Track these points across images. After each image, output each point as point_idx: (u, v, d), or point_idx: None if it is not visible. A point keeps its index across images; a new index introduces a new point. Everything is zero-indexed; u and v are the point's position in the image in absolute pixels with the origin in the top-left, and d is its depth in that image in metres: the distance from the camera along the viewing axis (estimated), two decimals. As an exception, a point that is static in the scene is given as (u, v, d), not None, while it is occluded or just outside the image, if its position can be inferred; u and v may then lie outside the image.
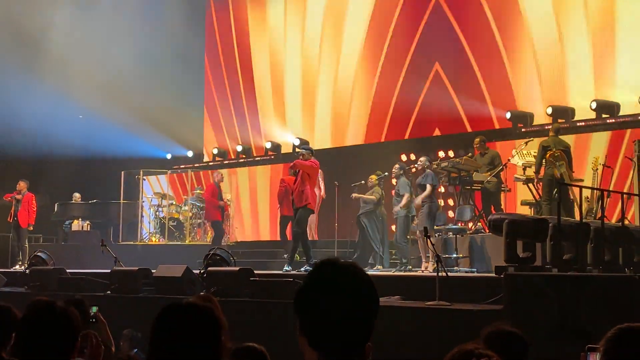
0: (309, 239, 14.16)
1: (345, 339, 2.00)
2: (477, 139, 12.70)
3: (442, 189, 14.03)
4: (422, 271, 11.35)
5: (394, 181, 12.65)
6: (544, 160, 11.21)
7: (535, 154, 11.91)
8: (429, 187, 11.59)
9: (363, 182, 13.26)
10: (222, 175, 15.81)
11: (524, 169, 12.25)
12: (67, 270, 12.05)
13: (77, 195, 18.89)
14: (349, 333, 2.01)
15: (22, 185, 16.04)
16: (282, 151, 18.90)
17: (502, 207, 12.25)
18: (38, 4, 19.84)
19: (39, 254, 13.26)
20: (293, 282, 9.02)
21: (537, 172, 11.37)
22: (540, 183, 11.45)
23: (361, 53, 17.58)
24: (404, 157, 15.26)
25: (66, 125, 20.96)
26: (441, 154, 14.99)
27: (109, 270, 11.28)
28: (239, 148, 19.89)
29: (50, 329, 2.91)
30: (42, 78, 20.00)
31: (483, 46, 15.43)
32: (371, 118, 17.43)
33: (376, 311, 2.06)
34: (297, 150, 11.69)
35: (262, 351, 3.81)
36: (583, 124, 13.72)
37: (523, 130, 14.28)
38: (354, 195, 13.10)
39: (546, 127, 12.95)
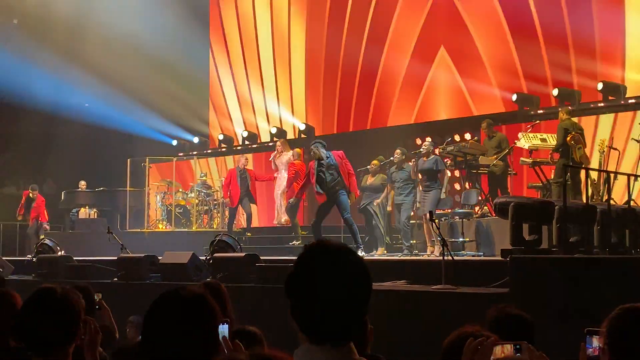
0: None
1: (335, 324, 1.96)
2: (484, 123, 12.62)
3: (448, 173, 13.97)
4: (428, 255, 11.34)
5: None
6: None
7: (542, 138, 11.85)
8: (449, 173, 11.67)
9: (368, 167, 13.24)
10: (246, 159, 15.69)
11: (530, 152, 12.19)
12: (74, 258, 12.08)
13: (83, 183, 18.92)
14: (338, 318, 1.96)
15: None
16: (288, 137, 18.88)
17: (509, 190, 12.21)
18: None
19: (46, 241, 13.31)
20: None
21: (555, 150, 11.24)
22: (554, 157, 11.32)
23: (366, 38, 17.51)
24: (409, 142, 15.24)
25: (72, 113, 21.02)
26: (447, 137, 14.94)
27: (115, 258, 11.30)
28: (244, 134, 19.87)
29: (50, 314, 2.91)
30: (47, 67, 20.01)
31: (488, 29, 15.34)
32: (376, 103, 17.39)
33: (367, 295, 2.00)
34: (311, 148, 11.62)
35: (258, 333, 3.78)
36: (602, 106, 13.65)
37: (531, 113, 14.22)
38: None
39: (555, 110, 12.86)
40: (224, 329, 2.48)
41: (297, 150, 14.67)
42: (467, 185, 12.63)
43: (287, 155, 14.46)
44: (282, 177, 14.50)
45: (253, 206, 15.37)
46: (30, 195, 16.90)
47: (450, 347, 2.55)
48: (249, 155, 18.75)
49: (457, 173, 13.72)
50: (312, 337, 1.97)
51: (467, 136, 14.63)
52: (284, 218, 14.61)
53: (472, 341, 2.25)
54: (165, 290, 2.25)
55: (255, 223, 15.92)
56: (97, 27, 19.98)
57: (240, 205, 15.09)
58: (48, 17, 19.89)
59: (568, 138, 10.88)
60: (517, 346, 2.25)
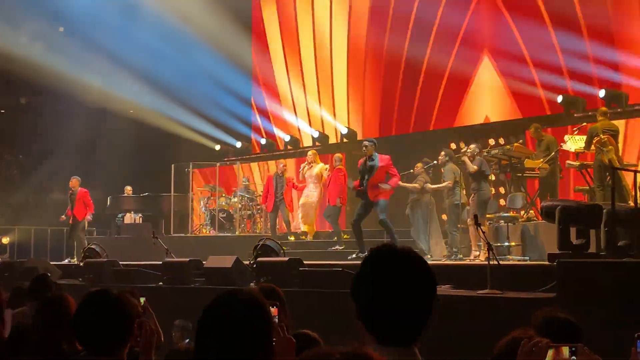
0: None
1: (402, 325, 2.01)
2: (532, 127, 12.46)
3: (492, 177, 13.83)
4: (472, 259, 11.23)
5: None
6: (593, 147, 11.01)
7: (588, 140, 11.69)
8: (474, 170, 11.54)
9: (411, 171, 13.18)
10: (283, 165, 15.69)
11: (577, 155, 12.01)
12: (120, 262, 12.22)
13: (128, 188, 19.15)
14: (406, 319, 2.01)
15: (74, 182, 16.30)
16: (330, 141, 18.90)
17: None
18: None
19: (92, 246, 13.50)
20: (342, 272, 9.00)
21: (584, 149, 11.35)
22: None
23: (408, 42, 17.43)
24: (453, 146, 15.13)
25: (117, 119, 21.31)
26: (491, 141, 14.81)
27: (160, 262, 11.40)
28: (287, 138, 19.92)
29: (106, 316, 2.95)
30: (92, 73, 20.32)
31: (532, 28, 15.13)
32: (419, 106, 17.29)
33: (433, 297, 2.06)
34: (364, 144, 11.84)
35: (316, 338, 3.79)
36: None
37: (575, 115, 14.01)
38: (400, 183, 13.00)
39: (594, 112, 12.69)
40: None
41: (339, 155, 14.62)
42: (512, 189, 12.49)
43: (317, 167, 14.41)
44: (310, 189, 14.40)
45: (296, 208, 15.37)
46: (72, 189, 16.36)
47: (502, 350, 2.52)
48: (290, 160, 18.82)
49: (500, 176, 13.59)
50: (378, 338, 2.00)
51: (512, 139, 14.47)
52: (302, 227, 14.62)
53: (527, 343, 2.23)
54: (220, 293, 2.21)
55: (298, 228, 15.93)
56: (142, 33, 20.22)
57: (279, 211, 15.10)
58: (94, 24, 20.19)
59: (594, 141, 10.76)
60: (573, 349, 2.20)
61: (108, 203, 19.28)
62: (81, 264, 12.98)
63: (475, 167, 11.59)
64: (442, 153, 12.45)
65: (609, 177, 10.24)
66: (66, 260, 15.87)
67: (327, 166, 14.64)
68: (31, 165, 23.56)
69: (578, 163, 11.82)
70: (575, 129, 12.26)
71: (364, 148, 11.78)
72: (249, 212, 17.53)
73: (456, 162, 12.43)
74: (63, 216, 16.46)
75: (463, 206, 12.04)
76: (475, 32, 16.09)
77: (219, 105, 20.61)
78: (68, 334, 3.59)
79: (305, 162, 14.68)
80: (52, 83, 20.46)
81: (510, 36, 15.42)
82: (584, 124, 12.43)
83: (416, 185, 12.75)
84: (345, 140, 18.37)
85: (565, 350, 2.20)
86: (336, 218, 14.11)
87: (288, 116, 20.33)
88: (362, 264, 2.09)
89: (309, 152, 14.87)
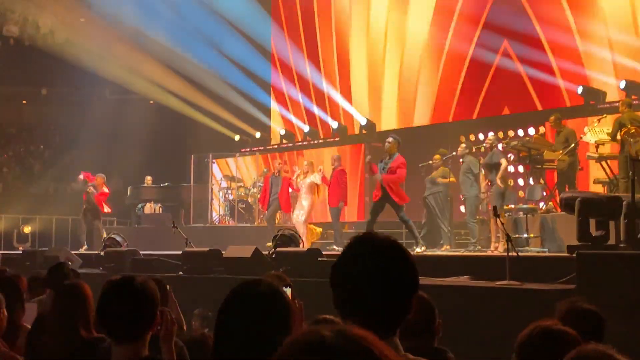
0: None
1: (378, 315, 1.93)
2: (552, 117, 12.40)
3: (511, 168, 13.80)
4: (492, 251, 11.23)
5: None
6: (618, 137, 10.95)
7: (609, 132, 11.61)
8: (504, 163, 11.48)
9: (430, 162, 13.17)
10: (280, 164, 15.53)
11: (597, 147, 11.95)
12: (140, 252, 12.30)
13: (149, 178, 19.26)
14: (382, 309, 1.94)
15: (98, 180, 16.37)
16: (349, 132, 18.88)
17: (577, 186, 11.98)
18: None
19: (113, 236, 13.60)
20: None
21: (610, 139, 11.27)
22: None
23: (428, 32, 17.38)
24: (472, 137, 15.09)
25: (137, 110, 21.42)
26: (511, 132, 14.76)
27: (180, 252, 11.47)
28: (306, 129, 19.94)
29: (130, 303, 2.95)
30: (112, 65, 20.43)
31: (552, 20, 15.05)
32: (438, 98, 17.25)
33: (411, 288, 1.98)
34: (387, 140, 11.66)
35: (339, 323, 3.79)
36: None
37: (596, 107, 13.93)
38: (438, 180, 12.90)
39: (617, 103, 12.61)
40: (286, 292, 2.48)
41: (337, 154, 14.53)
42: (531, 181, 12.46)
43: (311, 177, 14.19)
44: (303, 198, 13.84)
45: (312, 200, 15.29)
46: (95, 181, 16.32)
47: (526, 340, 2.53)
48: (309, 152, 18.81)
49: (520, 168, 13.56)
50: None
51: (531, 131, 14.42)
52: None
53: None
54: (240, 283, 2.19)
55: (319, 218, 15.96)
56: (159, 27, 20.29)
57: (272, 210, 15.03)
58: (115, 12, 20.29)
59: (622, 132, 10.69)
60: None
61: (128, 193, 19.41)
62: (102, 253, 13.09)
63: (504, 165, 11.55)
64: (463, 145, 12.41)
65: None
66: (83, 248, 15.94)
67: (318, 175, 14.14)
68: (52, 155, 23.78)
69: (598, 155, 11.76)
70: (595, 120, 12.19)
71: (386, 144, 11.62)
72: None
73: (475, 154, 12.39)
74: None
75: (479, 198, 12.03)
76: (495, 23, 16.01)
77: (239, 93, 20.67)
78: (85, 321, 3.63)
79: (300, 171, 14.47)
80: (72, 74, 20.60)
81: (530, 27, 15.34)
82: (604, 115, 12.35)
83: (452, 180, 12.59)
84: (364, 131, 18.35)
85: None
86: (336, 218, 13.97)
87: (307, 106, 20.33)
88: (342, 251, 2.03)
89: (305, 162, 14.66)
